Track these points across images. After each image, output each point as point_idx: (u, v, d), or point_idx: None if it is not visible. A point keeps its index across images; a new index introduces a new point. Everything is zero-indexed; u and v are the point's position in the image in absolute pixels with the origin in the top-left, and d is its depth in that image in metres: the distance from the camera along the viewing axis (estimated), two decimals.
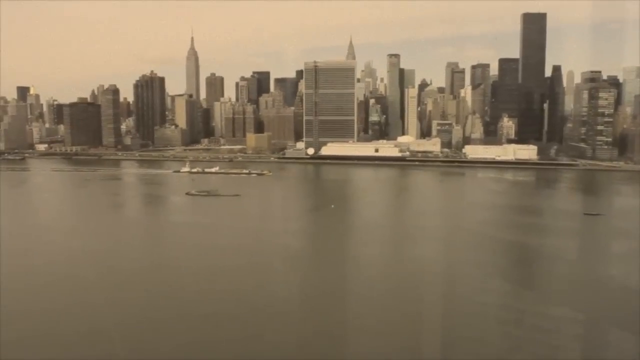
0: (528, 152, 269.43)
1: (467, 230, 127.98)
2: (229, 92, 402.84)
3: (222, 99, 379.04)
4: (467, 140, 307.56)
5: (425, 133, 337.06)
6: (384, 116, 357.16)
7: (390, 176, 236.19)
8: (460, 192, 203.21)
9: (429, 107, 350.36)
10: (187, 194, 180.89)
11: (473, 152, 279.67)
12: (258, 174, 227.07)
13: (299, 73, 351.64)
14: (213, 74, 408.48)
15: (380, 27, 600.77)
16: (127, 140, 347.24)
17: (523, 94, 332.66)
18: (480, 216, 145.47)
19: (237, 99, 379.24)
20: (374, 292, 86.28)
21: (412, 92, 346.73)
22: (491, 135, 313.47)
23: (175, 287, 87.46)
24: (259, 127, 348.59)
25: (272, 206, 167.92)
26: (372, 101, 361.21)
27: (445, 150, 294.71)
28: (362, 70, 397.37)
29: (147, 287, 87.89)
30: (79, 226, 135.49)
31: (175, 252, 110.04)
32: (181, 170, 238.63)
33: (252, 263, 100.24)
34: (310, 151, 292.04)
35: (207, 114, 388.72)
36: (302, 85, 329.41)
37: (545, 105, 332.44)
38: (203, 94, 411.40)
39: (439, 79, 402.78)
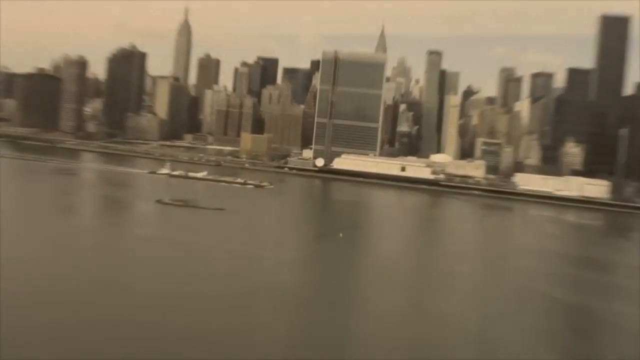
0: (597, 188, 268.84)
1: (510, 283, 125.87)
2: (226, 80, 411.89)
3: (215, 87, 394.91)
4: (519, 167, 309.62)
5: (466, 153, 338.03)
6: (416, 127, 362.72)
7: (417, 203, 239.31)
8: (505, 231, 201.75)
9: (474, 120, 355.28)
10: (158, 201, 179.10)
11: (526, 182, 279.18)
12: (256, 186, 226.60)
13: (315, 64, 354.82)
14: (208, 55, 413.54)
15: (421, 16, 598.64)
16: (91, 127, 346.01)
17: (595, 114, 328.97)
18: (529, 265, 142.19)
19: (234, 89, 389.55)
20: (379, 351, 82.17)
21: (453, 100, 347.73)
22: (550, 163, 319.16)
23: (121, 320, 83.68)
24: (258, 126, 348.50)
25: (262, 227, 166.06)
26: (402, 107, 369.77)
27: (490, 176, 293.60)
28: (394, 68, 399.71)
29: (84, 315, 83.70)
30: (15, 231, 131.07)
31: (127, 273, 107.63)
32: (159, 172, 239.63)
33: (223, 297, 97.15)
34: (320, 162, 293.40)
35: (195, 103, 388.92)
36: (316, 80, 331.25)
37: (623, 131, 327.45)
38: (193, 79, 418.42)
39: (488, 87, 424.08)
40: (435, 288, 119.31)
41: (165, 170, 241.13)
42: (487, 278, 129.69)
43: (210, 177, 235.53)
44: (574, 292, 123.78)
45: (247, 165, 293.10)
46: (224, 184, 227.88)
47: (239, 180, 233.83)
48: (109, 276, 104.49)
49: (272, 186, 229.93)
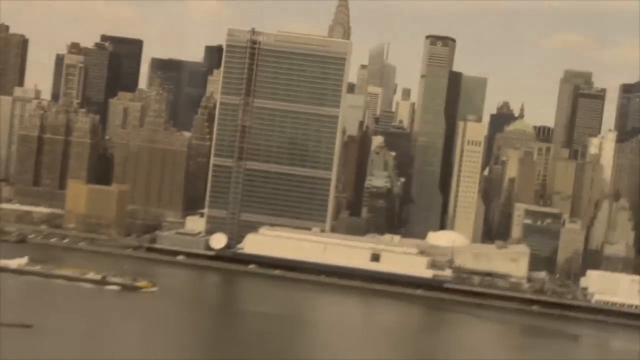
0: None
1: None
2: (39, 78, 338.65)
3: (18, 91, 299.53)
4: (594, 258, 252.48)
5: (495, 230, 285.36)
6: (402, 180, 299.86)
7: (400, 324, 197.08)
8: None
9: (511, 171, 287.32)
10: None
11: (605, 287, 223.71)
12: (124, 287, 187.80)
13: (213, 53, 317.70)
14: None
15: None
16: None
17: None
18: None
19: (54, 97, 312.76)
20: None
21: (474, 131, 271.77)
22: None
23: None
24: (102, 170, 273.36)
25: None
26: (377, 141, 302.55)
27: (540, 275, 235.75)
28: (363, 67, 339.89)
29: None
30: None
31: None
32: None
33: None
34: (219, 242, 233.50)
35: None
36: (215, 85, 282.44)
37: None
38: None
39: (540, 108, 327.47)
40: None
41: None
42: None
43: (36, 268, 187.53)
44: None
45: (81, 243, 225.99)
46: (60, 281, 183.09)
47: (91, 275, 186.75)
48: None
49: (154, 288, 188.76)
